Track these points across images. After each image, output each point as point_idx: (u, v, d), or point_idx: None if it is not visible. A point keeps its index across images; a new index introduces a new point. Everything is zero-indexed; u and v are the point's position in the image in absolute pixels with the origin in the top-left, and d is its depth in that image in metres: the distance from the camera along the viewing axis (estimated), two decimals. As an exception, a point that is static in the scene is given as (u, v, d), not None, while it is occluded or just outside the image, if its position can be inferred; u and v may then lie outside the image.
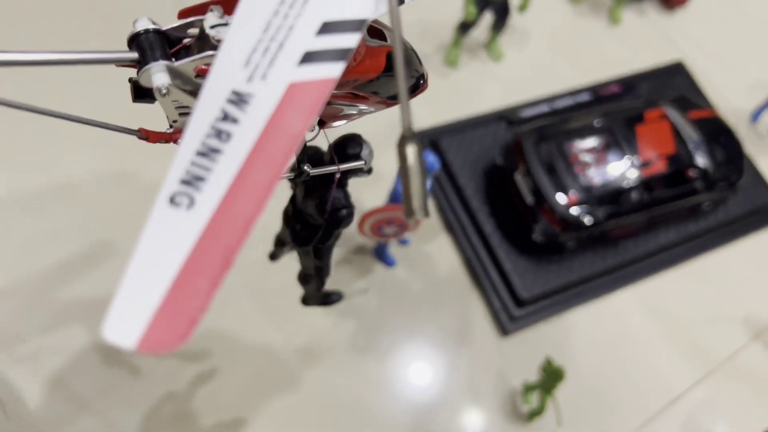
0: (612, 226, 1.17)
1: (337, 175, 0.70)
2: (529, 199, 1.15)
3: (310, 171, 0.67)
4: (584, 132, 1.19)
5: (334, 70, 0.42)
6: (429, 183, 1.01)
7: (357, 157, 0.70)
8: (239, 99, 0.40)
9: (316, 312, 1.08)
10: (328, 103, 0.60)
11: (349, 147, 0.70)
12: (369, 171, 0.73)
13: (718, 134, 1.29)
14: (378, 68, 0.55)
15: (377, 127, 0.77)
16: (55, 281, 1.04)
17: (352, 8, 0.43)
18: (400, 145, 0.40)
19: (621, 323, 1.20)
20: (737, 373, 1.19)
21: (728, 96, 1.55)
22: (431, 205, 1.22)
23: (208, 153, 0.39)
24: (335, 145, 0.71)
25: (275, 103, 0.40)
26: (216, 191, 0.38)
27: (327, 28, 0.42)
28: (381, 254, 1.14)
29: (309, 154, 0.70)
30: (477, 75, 1.43)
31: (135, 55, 0.46)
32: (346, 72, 0.55)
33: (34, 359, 0.97)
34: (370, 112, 0.63)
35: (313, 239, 0.77)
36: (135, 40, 0.47)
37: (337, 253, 1.14)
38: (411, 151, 0.40)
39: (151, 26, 0.47)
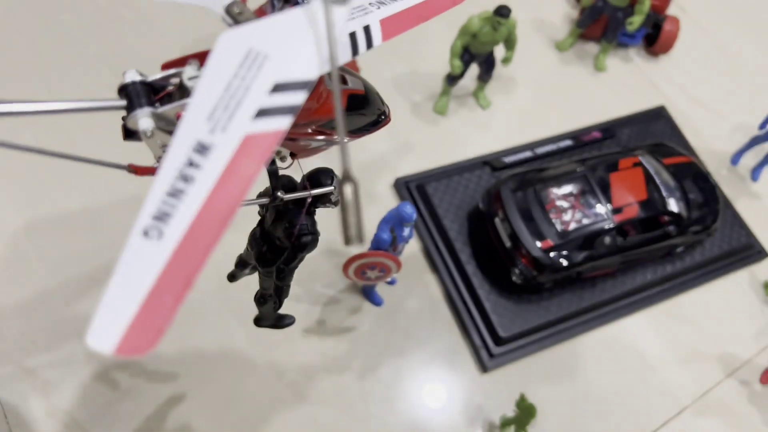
0: (588, 268, 1.24)
1: (309, 200, 0.77)
2: (507, 243, 1.22)
3: (284, 197, 0.75)
4: (561, 179, 1.26)
5: (284, 122, 0.49)
6: (409, 231, 1.08)
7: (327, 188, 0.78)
8: (202, 148, 0.47)
9: (304, 347, 1.16)
10: (295, 140, 0.67)
11: (321, 178, 0.79)
12: (336, 203, 0.80)
13: (694, 179, 1.35)
14: None
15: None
16: (69, 300, 1.14)
17: (299, 71, 0.51)
18: (340, 184, 0.48)
19: (597, 361, 1.25)
20: (710, 409, 1.23)
21: (710, 139, 1.61)
22: (416, 248, 1.30)
23: (175, 193, 0.46)
24: (309, 176, 0.79)
25: (232, 151, 0.47)
26: (181, 225, 0.45)
27: (278, 88, 0.50)
28: (369, 294, 1.22)
29: (283, 183, 0.77)
30: (465, 122, 1.51)
31: (124, 102, 0.53)
32: (311, 113, 0.62)
33: (43, 375, 1.06)
34: (338, 144, 0.70)
35: (277, 261, 0.84)
36: (124, 90, 0.53)
37: (328, 292, 1.22)
38: (348, 189, 0.47)
39: (138, 77, 0.53)
